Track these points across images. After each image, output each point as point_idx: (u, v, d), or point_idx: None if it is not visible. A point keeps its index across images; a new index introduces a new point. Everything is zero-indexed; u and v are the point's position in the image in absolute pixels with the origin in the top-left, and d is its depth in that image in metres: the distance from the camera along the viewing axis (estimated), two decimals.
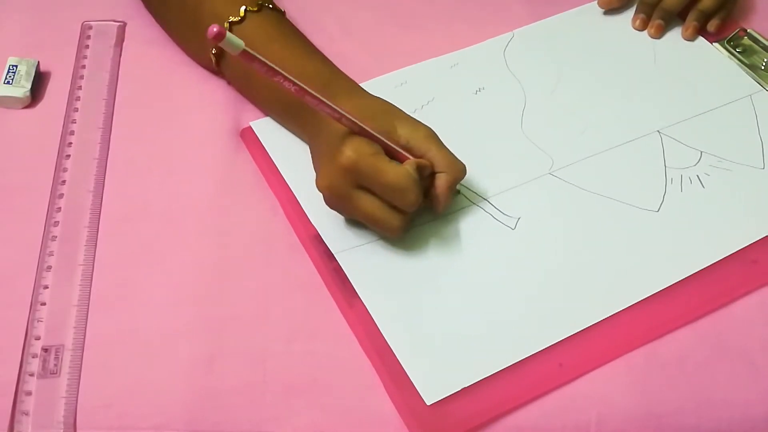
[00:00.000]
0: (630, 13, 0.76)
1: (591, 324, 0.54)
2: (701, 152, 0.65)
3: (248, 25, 0.61)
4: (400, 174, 0.51)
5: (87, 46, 0.69)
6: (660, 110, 0.67)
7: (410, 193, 0.52)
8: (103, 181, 0.61)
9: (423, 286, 0.56)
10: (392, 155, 0.53)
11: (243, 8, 0.61)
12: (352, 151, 0.52)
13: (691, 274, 0.57)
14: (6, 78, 0.64)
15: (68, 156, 0.62)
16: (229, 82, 0.66)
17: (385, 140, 0.53)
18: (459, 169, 0.55)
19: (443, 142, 0.56)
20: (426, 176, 0.54)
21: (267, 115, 0.65)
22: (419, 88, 0.68)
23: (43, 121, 0.64)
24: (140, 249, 0.57)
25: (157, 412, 0.50)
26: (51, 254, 0.56)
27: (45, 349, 0.52)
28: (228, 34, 0.45)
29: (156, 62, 0.68)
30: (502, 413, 0.50)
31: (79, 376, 0.51)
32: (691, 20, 0.73)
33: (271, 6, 0.63)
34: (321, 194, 0.55)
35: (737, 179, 0.63)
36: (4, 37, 0.69)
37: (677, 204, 0.61)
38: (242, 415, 0.50)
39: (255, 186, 0.61)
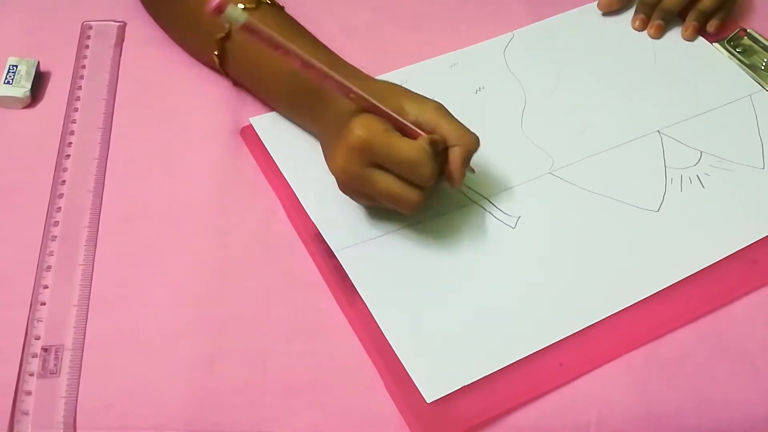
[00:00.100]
0: (630, 14, 0.76)
1: (591, 324, 0.54)
2: (701, 152, 0.65)
3: None
4: (414, 148, 0.51)
5: (87, 46, 0.69)
6: (660, 110, 0.68)
7: (426, 167, 0.51)
8: (103, 181, 0.61)
9: (423, 284, 0.56)
10: (403, 132, 0.53)
11: (241, 6, 0.61)
12: (362, 129, 0.51)
13: (691, 274, 0.57)
14: (6, 78, 0.64)
15: (68, 156, 0.62)
16: (232, 80, 0.66)
17: (396, 116, 0.52)
18: (472, 141, 0.54)
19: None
20: (440, 151, 0.53)
21: (273, 108, 0.65)
22: (419, 87, 0.67)
23: (43, 121, 0.64)
24: (140, 249, 0.57)
25: (157, 412, 0.50)
26: (51, 254, 0.56)
27: (45, 349, 0.52)
28: (230, 6, 0.45)
29: (156, 62, 0.68)
30: (502, 412, 0.50)
31: (79, 376, 0.51)
32: (691, 20, 0.73)
33: (269, 2, 0.63)
34: (336, 185, 0.55)
35: (737, 179, 0.63)
36: (4, 37, 0.69)
37: (677, 204, 0.61)
38: (242, 415, 0.50)
39: (255, 185, 0.61)
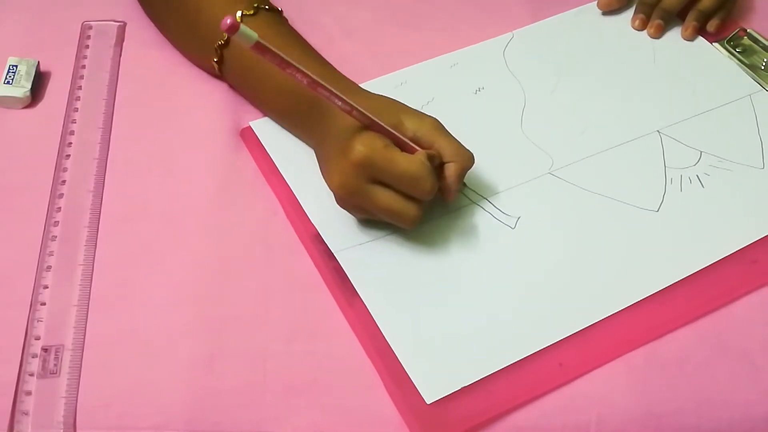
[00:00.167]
0: (629, 14, 0.76)
1: (591, 324, 0.54)
2: (701, 152, 0.65)
3: None
4: (414, 163, 0.52)
5: (87, 46, 0.69)
6: (660, 110, 0.68)
7: (426, 181, 0.52)
8: (103, 181, 0.61)
9: (423, 284, 0.56)
10: (402, 148, 0.53)
11: (239, 13, 0.61)
12: (364, 146, 0.52)
13: (691, 274, 0.57)
14: (6, 78, 0.64)
15: (68, 156, 0.62)
16: (231, 86, 0.66)
17: (395, 133, 0.53)
18: (467, 158, 0.56)
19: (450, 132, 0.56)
20: (436, 166, 0.54)
21: (270, 117, 0.65)
22: (419, 88, 0.68)
23: (43, 121, 0.64)
24: (140, 249, 0.57)
25: (157, 412, 0.50)
26: (51, 254, 0.56)
27: (45, 349, 0.52)
28: (242, 26, 0.45)
29: (156, 62, 0.68)
30: (502, 413, 0.50)
31: (79, 376, 0.51)
32: (691, 20, 0.73)
33: (267, 7, 0.63)
34: (332, 195, 0.55)
35: (737, 179, 0.63)
36: (4, 37, 0.69)
37: (677, 204, 0.61)
38: (242, 415, 0.50)
39: (255, 186, 0.61)
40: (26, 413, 0.49)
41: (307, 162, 0.60)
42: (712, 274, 0.57)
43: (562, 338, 0.53)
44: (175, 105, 0.66)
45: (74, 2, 0.72)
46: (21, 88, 0.64)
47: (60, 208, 0.59)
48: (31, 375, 0.51)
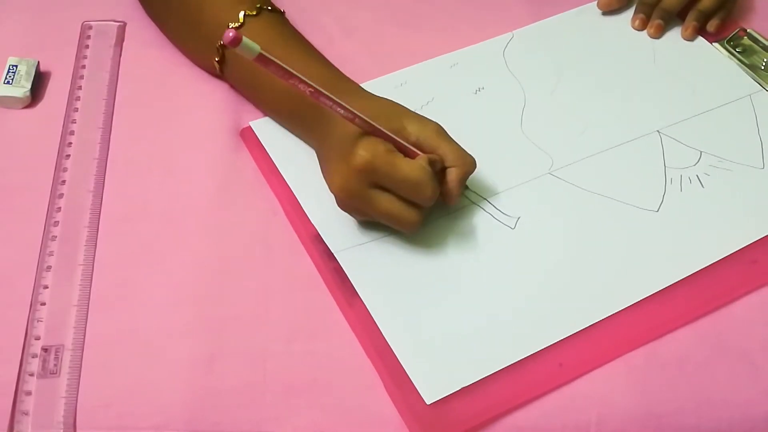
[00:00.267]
0: (629, 14, 0.76)
1: (591, 324, 0.54)
2: (701, 152, 0.65)
3: (248, 30, 0.61)
4: (415, 169, 0.52)
5: (87, 46, 0.69)
6: (660, 110, 0.67)
7: (427, 187, 0.52)
8: (103, 181, 0.61)
9: (423, 285, 0.56)
10: (404, 153, 0.54)
11: (242, 13, 0.61)
12: (366, 151, 0.52)
13: (691, 274, 0.57)
14: (6, 78, 0.65)
15: (68, 156, 0.62)
16: (231, 86, 0.66)
17: (397, 138, 0.53)
18: (469, 163, 0.56)
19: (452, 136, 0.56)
20: (437, 171, 0.54)
21: (271, 117, 0.65)
22: (419, 88, 0.68)
23: (43, 121, 0.64)
24: (140, 249, 0.57)
25: (157, 412, 0.50)
26: (51, 254, 0.56)
27: (45, 349, 0.52)
28: (244, 38, 0.45)
29: (156, 62, 0.68)
30: (502, 413, 0.50)
31: (79, 376, 0.51)
32: (691, 20, 0.73)
33: (269, 8, 0.63)
34: (333, 197, 0.55)
35: (737, 179, 0.63)
36: (4, 37, 0.69)
37: (677, 204, 0.61)
38: (242, 415, 0.50)
39: (255, 186, 0.61)
40: (26, 413, 0.49)
41: (307, 162, 0.60)
42: (712, 274, 0.57)
43: (562, 338, 0.53)
44: (175, 105, 0.66)
45: (74, 2, 0.72)
46: (21, 88, 0.64)
47: (60, 208, 0.59)
48: (31, 375, 0.51)
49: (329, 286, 0.56)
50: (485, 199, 0.61)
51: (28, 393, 0.50)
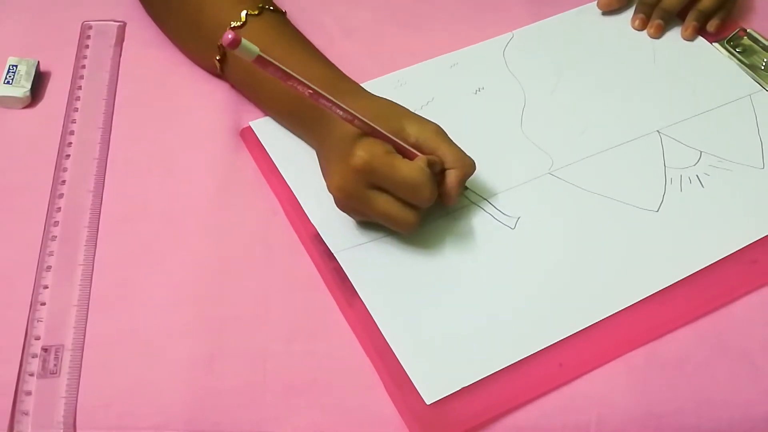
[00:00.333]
0: (629, 14, 0.76)
1: (591, 324, 0.54)
2: (701, 152, 0.65)
3: (249, 30, 0.61)
4: (414, 170, 0.52)
5: (87, 46, 0.69)
6: (659, 110, 0.67)
7: (425, 189, 0.52)
8: (103, 181, 0.61)
9: (423, 285, 0.56)
10: (403, 154, 0.54)
11: (244, 13, 0.61)
12: (364, 151, 0.52)
13: (691, 274, 0.57)
14: (6, 78, 0.65)
15: (68, 156, 0.62)
16: (232, 85, 0.66)
17: (396, 139, 0.53)
18: (468, 164, 0.56)
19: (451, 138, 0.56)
20: (436, 172, 0.54)
21: (271, 117, 0.65)
22: (419, 88, 0.68)
23: (43, 121, 0.64)
24: (140, 249, 0.57)
25: (157, 412, 0.50)
26: (51, 254, 0.56)
27: (45, 349, 0.52)
28: (243, 40, 0.45)
29: (156, 62, 0.68)
30: (502, 413, 0.50)
31: (79, 376, 0.51)
32: (691, 20, 0.73)
33: (271, 8, 0.63)
34: (332, 197, 0.55)
35: (737, 179, 0.63)
36: (4, 37, 0.69)
37: (677, 204, 0.61)
38: (242, 415, 0.50)
39: (255, 186, 0.61)
40: (26, 413, 0.49)
41: (307, 162, 0.60)
42: (712, 274, 0.57)
43: (562, 338, 0.53)
44: (175, 105, 0.66)
45: (74, 2, 0.72)
46: (21, 88, 0.64)
47: (60, 208, 0.59)
48: (31, 375, 0.51)
49: (329, 286, 0.56)
50: (485, 199, 0.61)
51: (28, 393, 0.50)
